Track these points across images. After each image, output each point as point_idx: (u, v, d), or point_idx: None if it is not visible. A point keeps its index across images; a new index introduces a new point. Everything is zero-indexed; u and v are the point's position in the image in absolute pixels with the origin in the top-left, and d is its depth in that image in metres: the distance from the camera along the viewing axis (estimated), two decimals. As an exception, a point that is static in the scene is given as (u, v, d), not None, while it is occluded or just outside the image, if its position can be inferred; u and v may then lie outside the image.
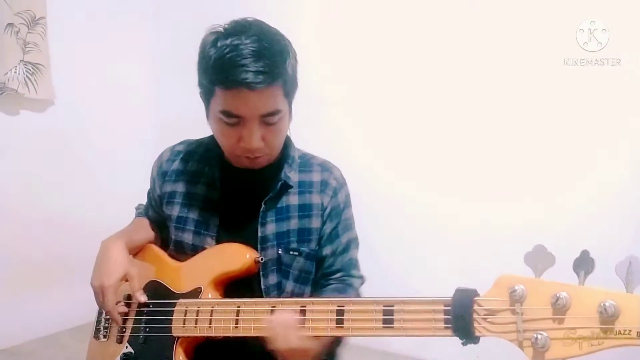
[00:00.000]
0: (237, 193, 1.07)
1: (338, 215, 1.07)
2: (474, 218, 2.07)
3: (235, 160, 1.02)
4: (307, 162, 1.10)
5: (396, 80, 2.21)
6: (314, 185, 1.07)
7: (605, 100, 1.87)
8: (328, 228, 1.06)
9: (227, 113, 0.92)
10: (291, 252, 1.03)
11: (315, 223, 1.05)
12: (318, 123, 2.28)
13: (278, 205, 1.04)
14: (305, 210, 1.05)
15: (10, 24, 1.99)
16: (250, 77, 0.86)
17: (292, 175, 1.06)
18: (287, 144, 1.10)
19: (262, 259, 0.99)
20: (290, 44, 0.97)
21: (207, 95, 0.96)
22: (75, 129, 2.38)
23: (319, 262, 1.06)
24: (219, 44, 0.90)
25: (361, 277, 1.10)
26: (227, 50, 0.88)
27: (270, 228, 1.03)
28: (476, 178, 2.07)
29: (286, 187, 1.05)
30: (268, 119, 0.94)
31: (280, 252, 1.02)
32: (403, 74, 2.19)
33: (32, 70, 2.08)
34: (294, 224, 1.04)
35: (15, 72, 2.02)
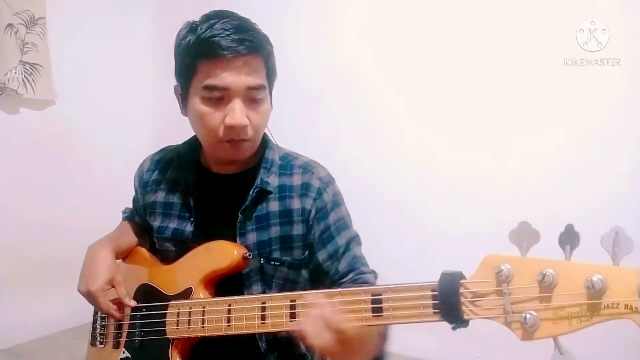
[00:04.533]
0: (214, 199, 1.04)
1: (326, 215, 1.00)
2: (468, 215, 2.07)
3: (217, 149, 0.97)
4: (288, 164, 1.05)
5: (395, 78, 2.21)
6: (294, 189, 1.01)
7: (605, 100, 1.87)
8: (317, 231, 1.00)
9: (211, 87, 0.90)
10: (272, 262, 0.99)
11: (297, 230, 0.99)
12: (318, 121, 2.29)
13: (257, 213, 1.00)
14: (286, 216, 1.00)
15: (10, 25, 1.99)
16: (234, 44, 0.87)
17: (271, 179, 1.01)
18: (266, 146, 1.05)
19: (249, 255, 0.95)
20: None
21: (188, 77, 0.93)
22: (74, 130, 2.38)
23: (319, 271, 1.01)
24: (198, 29, 0.90)
25: (373, 272, 1.02)
26: (208, 28, 0.89)
27: (251, 237, 0.99)
28: (476, 180, 2.07)
29: (264, 193, 1.00)
30: (254, 93, 0.91)
31: (262, 261, 0.98)
32: (403, 72, 2.19)
33: (30, 70, 2.08)
34: (275, 231, 0.99)
35: (15, 73, 2.02)
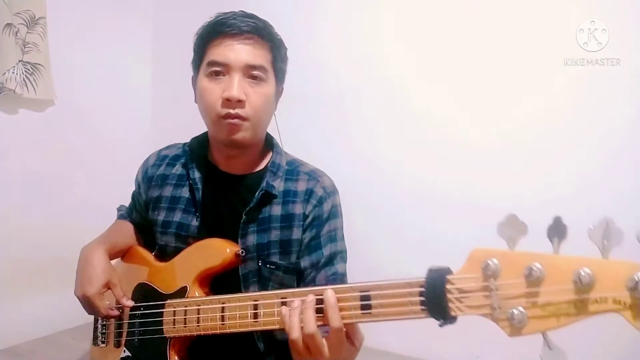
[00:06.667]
0: (220, 198, 1.05)
1: (321, 224, 1.02)
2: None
3: (217, 130, 0.98)
4: (294, 170, 1.06)
5: (395, 80, 2.21)
6: (298, 194, 1.02)
7: (605, 100, 1.87)
8: (307, 237, 1.01)
9: (213, 62, 0.95)
10: (268, 266, 0.99)
11: (296, 234, 1.01)
12: (318, 120, 2.29)
13: (260, 216, 1.01)
14: (287, 221, 1.01)
15: (9, 24, 1.99)
16: (238, 22, 0.95)
17: (276, 183, 1.02)
18: (274, 150, 1.07)
19: (242, 252, 0.96)
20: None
21: (198, 62, 1.00)
22: (74, 129, 2.38)
23: (300, 276, 1.02)
24: (210, 21, 0.99)
25: None
26: (218, 17, 0.98)
27: (251, 239, 1.00)
28: (476, 183, 2.07)
29: (269, 197, 1.01)
30: (252, 72, 0.95)
31: (260, 264, 0.99)
32: (402, 74, 2.19)
33: (31, 70, 2.08)
34: (275, 235, 1.00)
35: (13, 73, 2.02)
